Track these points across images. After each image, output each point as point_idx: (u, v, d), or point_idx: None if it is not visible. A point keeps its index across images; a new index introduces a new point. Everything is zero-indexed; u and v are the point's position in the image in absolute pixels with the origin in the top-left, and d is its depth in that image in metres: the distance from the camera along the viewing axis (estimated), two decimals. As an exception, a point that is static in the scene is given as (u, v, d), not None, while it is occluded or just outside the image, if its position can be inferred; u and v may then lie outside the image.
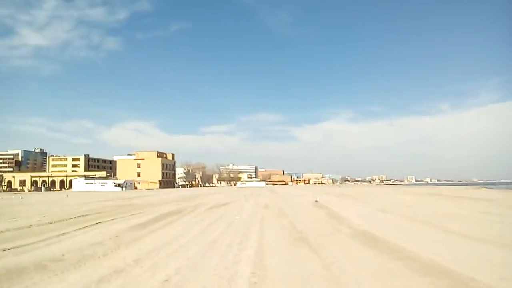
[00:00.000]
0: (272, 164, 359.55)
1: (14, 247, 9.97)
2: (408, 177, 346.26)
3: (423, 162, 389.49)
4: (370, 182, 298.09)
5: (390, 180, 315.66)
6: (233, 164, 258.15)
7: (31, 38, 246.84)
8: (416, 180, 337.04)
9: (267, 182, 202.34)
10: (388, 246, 9.70)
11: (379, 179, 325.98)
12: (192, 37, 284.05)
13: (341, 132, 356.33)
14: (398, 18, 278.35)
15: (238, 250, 9.44)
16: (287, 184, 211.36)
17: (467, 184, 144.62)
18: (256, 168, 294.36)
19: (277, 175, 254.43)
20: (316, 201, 29.99)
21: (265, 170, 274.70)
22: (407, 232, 12.11)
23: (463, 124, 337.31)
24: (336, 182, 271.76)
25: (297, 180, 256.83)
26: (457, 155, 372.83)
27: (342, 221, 15.70)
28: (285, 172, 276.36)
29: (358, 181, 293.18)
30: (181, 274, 6.97)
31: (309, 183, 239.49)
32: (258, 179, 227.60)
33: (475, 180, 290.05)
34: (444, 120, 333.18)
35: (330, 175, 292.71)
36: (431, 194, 45.10)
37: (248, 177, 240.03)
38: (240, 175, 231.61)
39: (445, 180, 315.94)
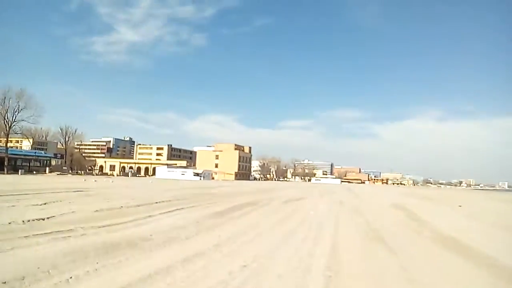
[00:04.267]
0: (348, 162, 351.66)
1: (107, 225, 10.92)
2: (500, 183, 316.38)
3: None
4: (455, 186, 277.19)
5: (478, 185, 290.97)
6: (308, 160, 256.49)
7: (127, 35, 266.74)
8: (509, 187, 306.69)
9: (342, 180, 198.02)
10: (473, 253, 9.12)
11: (466, 183, 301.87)
12: (275, 32, 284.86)
13: (426, 131, 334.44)
14: (493, 17, 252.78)
15: (313, 244, 9.52)
16: (363, 183, 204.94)
17: None
18: (331, 165, 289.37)
19: (353, 173, 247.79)
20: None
21: (341, 168, 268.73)
22: (496, 241, 11.25)
23: None
24: (417, 183, 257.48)
25: (374, 179, 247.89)
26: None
27: (423, 224, 14.99)
28: (362, 171, 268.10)
29: (442, 184, 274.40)
30: (258, 262, 7.25)
31: (387, 183, 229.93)
32: (333, 176, 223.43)
33: None
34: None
35: (411, 176, 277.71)
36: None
37: (323, 174, 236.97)
38: (315, 171, 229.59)
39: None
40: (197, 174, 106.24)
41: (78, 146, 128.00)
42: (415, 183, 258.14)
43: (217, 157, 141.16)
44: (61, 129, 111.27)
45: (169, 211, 15.49)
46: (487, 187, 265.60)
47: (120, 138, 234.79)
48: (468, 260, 8.22)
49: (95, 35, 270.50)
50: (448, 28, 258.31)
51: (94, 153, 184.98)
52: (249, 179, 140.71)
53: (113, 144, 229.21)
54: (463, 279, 6.62)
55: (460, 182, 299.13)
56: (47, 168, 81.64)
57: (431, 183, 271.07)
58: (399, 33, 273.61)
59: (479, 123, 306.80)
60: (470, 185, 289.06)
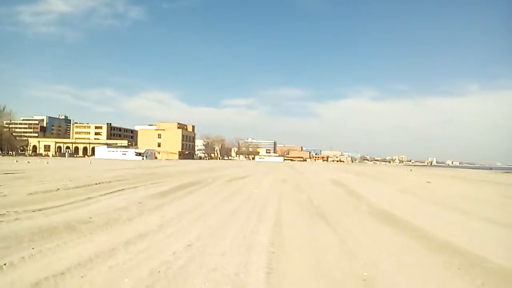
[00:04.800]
0: (291, 140, 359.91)
1: (43, 208, 10.38)
2: (429, 158, 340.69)
3: (446, 144, 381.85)
4: (389, 162, 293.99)
5: (410, 161, 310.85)
6: (252, 138, 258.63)
7: (56, 5, 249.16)
8: (437, 162, 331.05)
9: (285, 158, 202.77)
10: (404, 225, 9.82)
11: (399, 160, 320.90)
12: (217, 8, 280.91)
13: (363, 110, 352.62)
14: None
15: (257, 221, 9.72)
16: (305, 160, 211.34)
17: (490, 169, 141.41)
18: (275, 143, 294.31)
19: (296, 151, 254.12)
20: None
21: (284, 146, 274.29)
22: (424, 213, 12.19)
23: (491, 107, 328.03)
24: (355, 160, 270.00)
25: (315, 157, 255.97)
26: (482, 138, 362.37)
27: (360, 199, 15.82)
28: (303, 149, 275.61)
29: (377, 160, 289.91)
30: (203, 241, 7.30)
31: (327, 160, 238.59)
32: (277, 154, 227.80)
33: (498, 164, 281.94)
34: (472, 101, 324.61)
35: (350, 153, 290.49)
36: (452, 176, 44.58)
37: (267, 152, 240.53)
38: (258, 150, 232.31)
39: (466, 164, 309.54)
40: (139, 154, 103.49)
41: (7, 125, 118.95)
42: (353, 160, 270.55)
43: (159, 136, 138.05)
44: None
45: (110, 192, 15.02)
46: (417, 163, 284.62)
47: (54, 116, 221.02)
48: (401, 232, 8.84)
49: (21, 4, 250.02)
50: (383, 8, 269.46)
51: (26, 132, 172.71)
52: (193, 158, 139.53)
53: (46, 123, 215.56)
54: (396, 249, 7.13)
55: (394, 159, 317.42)
56: (-28, 149, 75.45)
57: (368, 160, 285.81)
58: (337, 13, 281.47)
59: (411, 102, 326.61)
60: (402, 161, 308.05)
